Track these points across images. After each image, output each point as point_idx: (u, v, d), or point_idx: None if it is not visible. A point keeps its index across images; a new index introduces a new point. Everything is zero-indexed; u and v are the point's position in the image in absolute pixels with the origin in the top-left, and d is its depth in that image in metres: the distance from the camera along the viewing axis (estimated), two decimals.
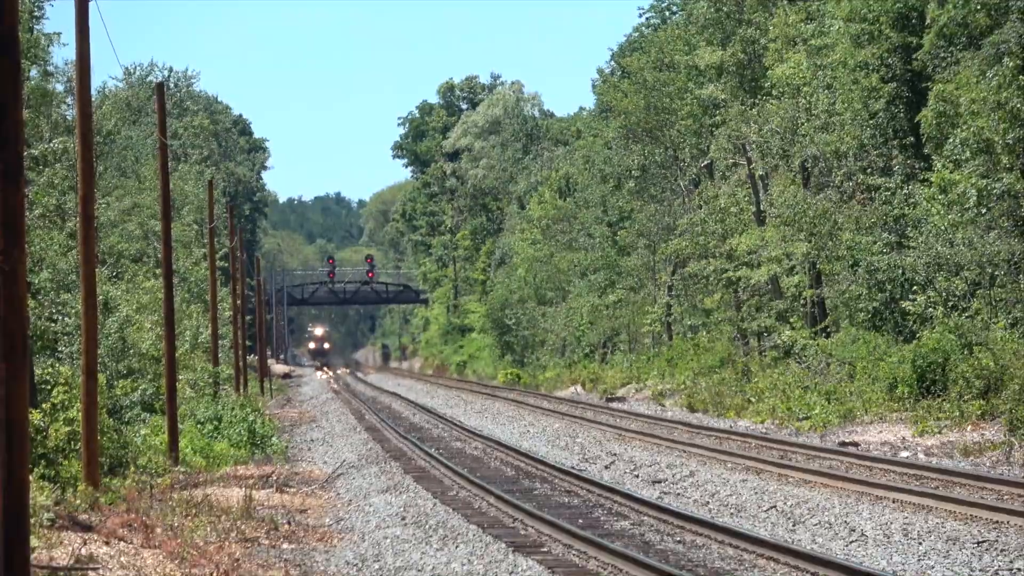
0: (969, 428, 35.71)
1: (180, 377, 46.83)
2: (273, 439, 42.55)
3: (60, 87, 71.39)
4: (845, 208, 52.85)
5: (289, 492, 29.44)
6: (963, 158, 44.44)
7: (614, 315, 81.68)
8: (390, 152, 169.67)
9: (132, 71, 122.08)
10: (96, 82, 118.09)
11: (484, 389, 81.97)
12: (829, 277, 54.43)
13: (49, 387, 28.20)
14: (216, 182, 76.97)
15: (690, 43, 70.84)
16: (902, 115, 50.68)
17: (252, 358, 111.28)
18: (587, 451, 37.95)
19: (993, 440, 33.25)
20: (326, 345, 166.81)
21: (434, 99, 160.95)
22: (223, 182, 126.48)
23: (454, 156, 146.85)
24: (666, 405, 57.36)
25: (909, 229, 48.69)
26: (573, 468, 32.94)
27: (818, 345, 50.88)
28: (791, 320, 56.15)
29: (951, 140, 45.01)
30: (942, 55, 47.93)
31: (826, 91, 54.49)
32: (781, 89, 58.11)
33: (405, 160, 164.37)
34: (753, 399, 48.88)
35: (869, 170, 52.27)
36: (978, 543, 20.54)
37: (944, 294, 44.56)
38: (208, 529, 22.42)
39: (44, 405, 26.91)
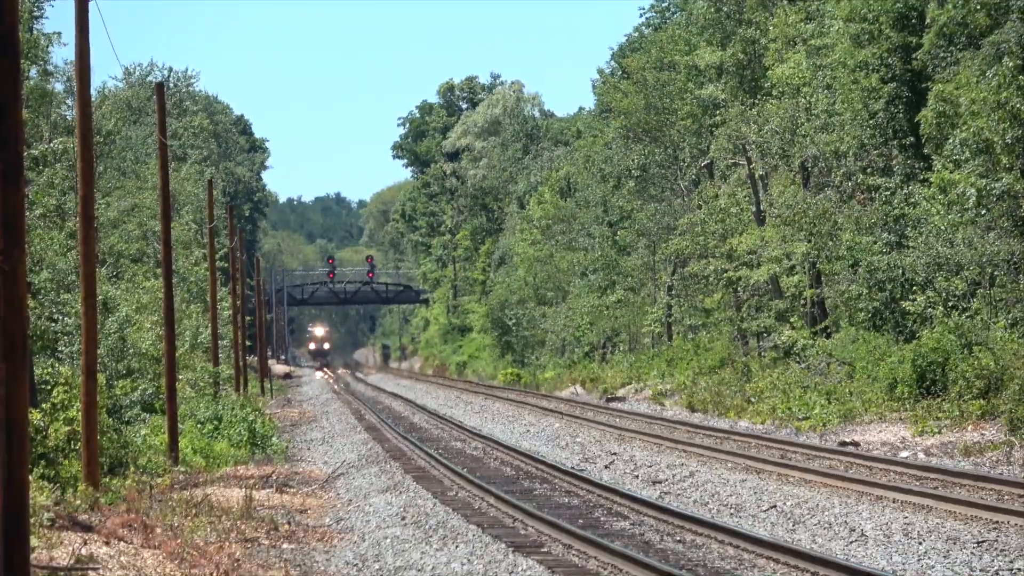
0: (969, 428, 35.70)
1: (180, 377, 46.84)
2: (273, 439, 42.55)
3: (60, 87, 71.42)
4: (845, 208, 52.84)
5: (289, 492, 29.43)
6: (963, 158, 44.42)
7: (614, 315, 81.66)
8: (390, 152, 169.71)
9: (132, 71, 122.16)
10: (96, 82, 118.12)
11: (484, 389, 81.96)
12: (829, 277, 54.42)
13: (49, 387, 28.20)
14: (216, 182, 77.00)
15: (690, 43, 70.84)
16: (902, 115, 50.66)
17: (252, 358, 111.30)
18: (587, 451, 37.96)
19: (993, 440, 33.25)
20: (326, 345, 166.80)
21: (434, 99, 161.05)
22: (223, 182, 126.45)
23: (454, 156, 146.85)
24: (666, 405, 57.35)
25: (909, 229, 48.68)
26: (573, 468, 32.94)
27: (818, 345, 50.87)
28: (791, 320, 56.15)
29: (951, 140, 44.99)
30: (942, 55, 47.92)
31: (826, 91, 54.48)
32: (781, 89, 58.11)
33: (405, 160, 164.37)
34: (753, 399, 48.88)
35: (869, 170, 52.25)
36: (978, 543, 20.54)
37: (944, 294, 44.55)
38: (208, 529, 22.42)
39: (44, 405, 26.92)
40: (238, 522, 23.51)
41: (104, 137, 68.41)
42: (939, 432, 35.95)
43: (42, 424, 26.08)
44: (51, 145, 43.49)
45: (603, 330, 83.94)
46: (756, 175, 60.29)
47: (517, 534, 23.01)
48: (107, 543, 19.67)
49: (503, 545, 21.26)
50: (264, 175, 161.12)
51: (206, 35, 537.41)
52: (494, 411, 58.74)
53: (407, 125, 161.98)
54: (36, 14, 53.33)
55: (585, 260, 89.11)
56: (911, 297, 45.89)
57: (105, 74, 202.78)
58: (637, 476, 31.55)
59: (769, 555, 19.92)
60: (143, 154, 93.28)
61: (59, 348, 38.16)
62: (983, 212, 43.77)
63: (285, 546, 22.06)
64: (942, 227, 45.20)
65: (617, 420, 49.38)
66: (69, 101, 72.22)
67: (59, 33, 56.55)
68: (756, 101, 60.40)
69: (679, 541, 21.86)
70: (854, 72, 51.33)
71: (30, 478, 12.81)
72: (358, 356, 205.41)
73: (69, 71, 71.99)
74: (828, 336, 52.53)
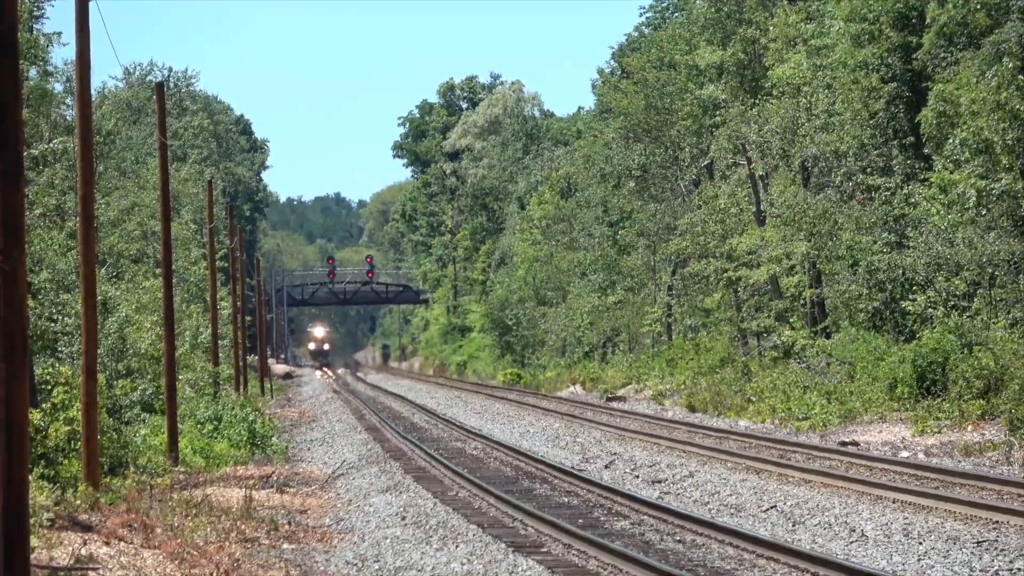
0: (969, 428, 35.70)
1: (180, 377, 46.84)
2: (273, 439, 42.54)
3: (60, 87, 71.44)
4: (845, 208, 52.84)
5: (289, 492, 29.43)
6: (963, 158, 44.42)
7: (614, 315, 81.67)
8: (390, 152, 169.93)
9: (132, 71, 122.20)
10: (96, 82, 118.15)
11: (484, 389, 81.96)
12: (829, 277, 54.42)
13: (49, 387, 28.19)
14: (216, 182, 77.01)
15: (690, 43, 70.84)
16: (902, 115, 50.66)
17: (252, 358, 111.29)
18: (587, 451, 37.95)
19: (993, 440, 33.24)
20: (326, 345, 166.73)
21: (434, 99, 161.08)
22: (223, 182, 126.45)
23: (454, 156, 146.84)
24: (666, 405, 57.34)
25: (909, 229, 48.69)
26: (573, 468, 32.93)
27: (818, 345, 50.86)
28: (791, 320, 56.15)
29: (951, 140, 44.99)
30: (942, 55, 47.91)
31: (826, 91, 54.48)
32: (781, 89, 58.10)
33: (405, 160, 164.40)
34: (753, 399, 48.87)
35: (869, 170, 52.25)
36: (978, 543, 20.54)
37: (944, 294, 44.55)
38: (208, 529, 22.41)
39: (44, 405, 26.90)
40: (238, 522, 23.50)
41: (104, 137, 68.43)
42: (939, 432, 35.95)
43: (42, 424, 26.07)
44: (51, 145, 43.47)
45: (603, 330, 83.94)
46: (756, 175, 60.29)
47: (517, 534, 23.01)
48: (107, 543, 19.67)
49: (503, 545, 21.26)
50: (264, 175, 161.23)
51: (206, 35, 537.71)
52: (494, 411, 58.74)
53: (407, 125, 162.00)
54: (36, 14, 53.36)
55: (585, 260, 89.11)
56: (911, 297, 45.89)
57: (105, 74, 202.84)
58: (637, 476, 31.55)
59: (769, 555, 19.91)
60: (143, 154, 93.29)
61: (59, 348, 38.15)
62: (983, 212, 43.77)
63: (285, 546, 22.06)
64: (942, 227, 45.20)
65: (617, 420, 49.37)
66: (69, 101, 72.23)
67: (59, 33, 56.60)
68: (756, 101, 60.39)
69: (679, 541, 21.86)
70: (854, 72, 51.33)
71: (30, 478, 12.82)
72: (358, 356, 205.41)
73: (69, 71, 71.98)
74: (828, 336, 52.53)
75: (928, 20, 48.61)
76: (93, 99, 36.07)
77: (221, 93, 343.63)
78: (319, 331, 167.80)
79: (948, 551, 20.06)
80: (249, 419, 42.84)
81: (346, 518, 25.52)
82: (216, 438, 39.75)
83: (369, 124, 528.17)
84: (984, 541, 20.65)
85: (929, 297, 44.99)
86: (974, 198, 43.44)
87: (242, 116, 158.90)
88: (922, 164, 49.93)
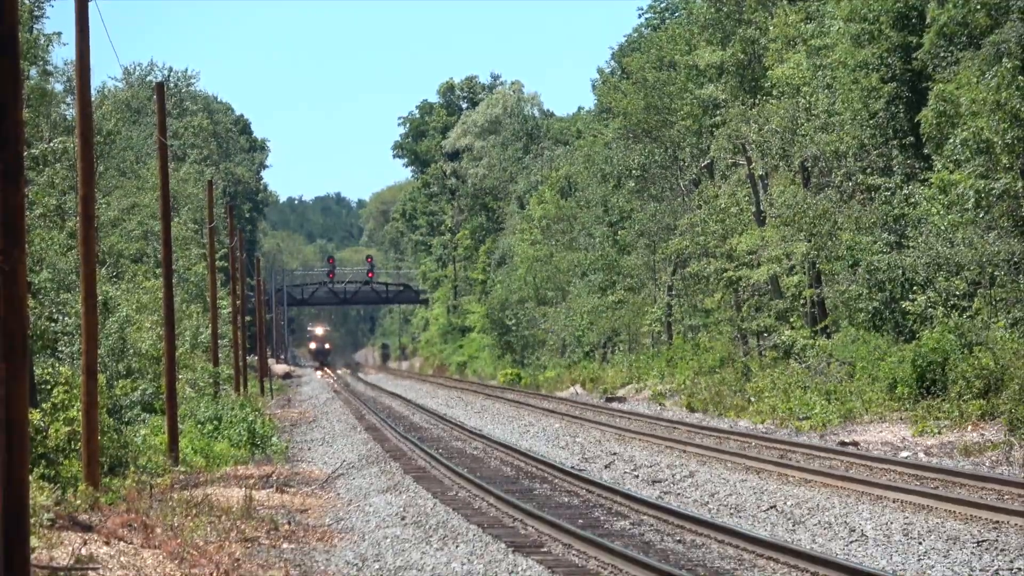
0: (969, 428, 35.70)
1: (180, 377, 46.84)
2: (273, 439, 42.54)
3: (60, 87, 71.47)
4: (845, 208, 52.83)
5: (289, 492, 29.43)
6: (963, 158, 44.42)
7: (614, 315, 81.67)
8: (390, 152, 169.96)
9: (132, 71, 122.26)
10: (96, 82, 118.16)
11: (484, 389, 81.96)
12: (829, 277, 54.41)
13: (49, 387, 28.19)
14: (216, 182, 77.01)
15: (690, 43, 70.82)
16: (902, 115, 50.66)
17: (252, 358, 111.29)
18: (587, 451, 37.96)
19: (993, 440, 33.25)
20: (327, 345, 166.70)
21: (434, 99, 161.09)
22: (223, 182, 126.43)
23: (454, 156, 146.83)
24: (666, 405, 57.35)
25: (909, 229, 48.68)
26: (573, 468, 32.94)
27: (818, 345, 50.86)
28: (791, 320, 56.15)
29: (951, 140, 44.99)
30: (942, 55, 47.90)
31: (826, 91, 54.46)
32: (781, 89, 58.09)
33: (405, 160, 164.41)
34: (753, 399, 48.88)
35: (869, 170, 52.24)
36: (978, 543, 20.54)
37: (944, 294, 44.55)
38: (208, 529, 22.41)
39: (44, 405, 26.90)
40: (238, 522, 23.50)
41: (104, 137, 68.43)
42: (939, 432, 35.95)
43: (42, 424, 26.07)
44: (51, 145, 43.48)
45: (603, 330, 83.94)
46: (756, 175, 60.29)
47: (517, 534, 23.01)
48: (107, 543, 19.67)
49: (503, 545, 21.26)
50: (264, 175, 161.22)
51: (206, 35, 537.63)
52: (494, 411, 58.74)
53: (407, 125, 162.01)
54: (36, 14, 53.35)
55: (585, 260, 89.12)
56: (911, 297, 45.89)
57: (105, 74, 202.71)
58: (637, 476, 31.55)
59: (769, 555, 19.92)
60: (143, 154, 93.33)
61: (59, 348, 38.14)
62: (983, 212, 43.76)
63: (285, 546, 22.06)
64: (942, 227, 45.19)
65: (617, 420, 49.38)
66: (69, 100, 72.27)
67: (59, 33, 56.65)
68: (756, 101, 60.38)
69: (679, 541, 21.86)
70: (854, 72, 51.33)
71: (30, 478, 12.82)
72: (358, 356, 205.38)
73: (69, 71, 72.01)
74: (828, 336, 52.52)
75: (928, 20, 48.60)
76: (93, 99, 36.07)
77: (221, 93, 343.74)
78: (319, 331, 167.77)
79: (948, 551, 20.07)
80: (249, 419, 42.85)
81: (346, 518, 25.53)
82: (216, 438, 39.76)
83: (369, 124, 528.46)
84: (984, 541, 20.65)
85: (929, 297, 44.99)
86: (974, 198, 43.43)
87: (242, 116, 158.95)
88: (922, 164, 49.93)
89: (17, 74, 11.63)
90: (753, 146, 59.02)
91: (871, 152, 52.02)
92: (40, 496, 21.95)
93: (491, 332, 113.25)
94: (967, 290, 44.16)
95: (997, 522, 22.30)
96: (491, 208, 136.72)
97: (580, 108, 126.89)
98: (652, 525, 23.60)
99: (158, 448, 33.87)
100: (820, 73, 55.00)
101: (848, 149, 52.56)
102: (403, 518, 24.87)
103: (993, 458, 31.25)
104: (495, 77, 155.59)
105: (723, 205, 61.86)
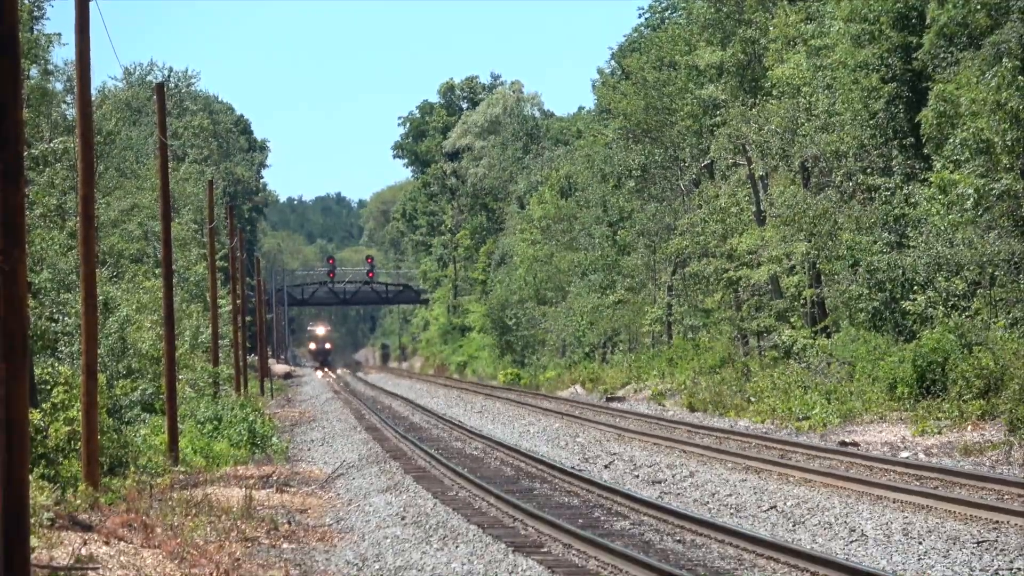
0: (969, 428, 35.70)
1: (180, 377, 46.83)
2: (273, 439, 42.54)
3: (60, 87, 71.46)
4: (845, 208, 52.83)
5: (289, 492, 29.44)
6: (963, 158, 44.42)
7: (614, 315, 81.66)
8: (390, 152, 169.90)
9: (132, 71, 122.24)
10: (96, 82, 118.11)
11: (484, 389, 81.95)
12: (829, 277, 54.41)
13: (49, 387, 28.19)
14: (216, 182, 77.00)
15: (690, 43, 70.82)
16: (902, 115, 50.66)
17: (252, 358, 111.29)
18: (587, 451, 37.95)
19: (993, 440, 33.24)
20: (327, 345, 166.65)
21: (434, 99, 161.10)
22: (223, 182, 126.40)
23: (454, 156, 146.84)
24: (666, 405, 57.34)
25: (909, 229, 48.68)
26: (573, 468, 32.94)
27: (818, 345, 50.85)
28: (791, 320, 56.14)
29: (951, 140, 44.99)
30: (942, 55, 47.90)
31: (826, 91, 54.46)
32: (781, 89, 58.09)
33: (405, 160, 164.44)
34: (753, 399, 48.87)
35: (869, 170, 52.24)
36: (978, 543, 20.54)
37: (944, 294, 44.55)
38: (208, 529, 22.42)
39: (44, 405, 26.90)
40: (238, 522, 23.51)
41: (104, 137, 68.46)
42: (939, 432, 35.95)
43: (42, 424, 26.07)
44: (51, 145, 43.52)
45: (603, 330, 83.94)
46: (756, 175, 60.29)
47: (517, 534, 23.01)
48: (107, 543, 19.67)
49: (503, 545, 21.26)
50: (264, 175, 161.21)
51: (206, 35, 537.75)
52: (494, 411, 58.73)
53: (407, 125, 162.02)
54: (36, 14, 53.38)
55: (585, 260, 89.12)
56: (911, 297, 45.89)
57: (105, 74, 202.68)
58: (637, 476, 31.55)
59: (769, 555, 19.92)
60: (143, 154, 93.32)
61: (59, 348, 38.15)
62: (982, 212, 43.76)
63: (285, 546, 22.06)
64: (942, 227, 45.19)
65: (617, 420, 49.37)
66: (69, 100, 72.26)
67: (59, 33, 56.67)
68: (756, 101, 60.38)
69: (679, 541, 21.86)
70: (854, 72, 51.32)
71: (30, 478, 12.82)
72: (358, 356, 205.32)
73: (69, 71, 72.00)
74: (828, 336, 52.52)
75: (928, 20, 48.60)
76: (93, 99, 36.06)
77: (221, 93, 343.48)
78: (319, 331, 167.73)
79: (948, 551, 20.07)
80: (249, 419, 42.85)
81: (346, 518, 25.53)
82: (216, 438, 39.76)
83: (369, 124, 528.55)
84: (984, 541, 20.65)
85: (929, 297, 44.98)
86: (974, 198, 43.43)
87: (242, 116, 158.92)
88: (922, 164, 49.92)
89: (17, 74, 11.63)
90: (753, 146, 59.02)
91: (871, 152, 52.01)
92: (40, 496, 21.95)
93: (491, 332, 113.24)
94: (967, 290, 44.15)
95: (997, 522, 22.30)
96: (491, 208, 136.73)
97: (580, 108, 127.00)
98: (652, 525, 23.60)
99: (158, 448, 33.87)
100: (820, 73, 55.00)
101: (848, 149, 52.56)
102: (403, 518, 24.87)
103: (993, 458, 31.25)
104: (495, 77, 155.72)
105: (723, 205, 61.86)
